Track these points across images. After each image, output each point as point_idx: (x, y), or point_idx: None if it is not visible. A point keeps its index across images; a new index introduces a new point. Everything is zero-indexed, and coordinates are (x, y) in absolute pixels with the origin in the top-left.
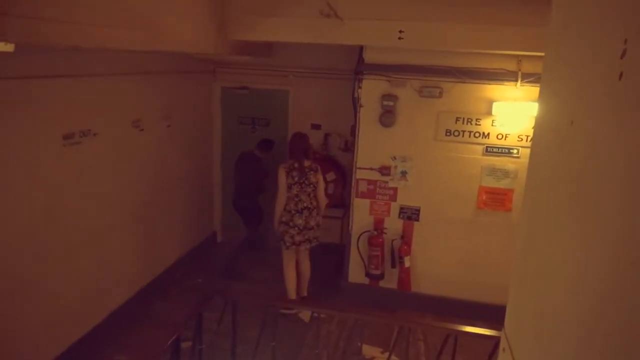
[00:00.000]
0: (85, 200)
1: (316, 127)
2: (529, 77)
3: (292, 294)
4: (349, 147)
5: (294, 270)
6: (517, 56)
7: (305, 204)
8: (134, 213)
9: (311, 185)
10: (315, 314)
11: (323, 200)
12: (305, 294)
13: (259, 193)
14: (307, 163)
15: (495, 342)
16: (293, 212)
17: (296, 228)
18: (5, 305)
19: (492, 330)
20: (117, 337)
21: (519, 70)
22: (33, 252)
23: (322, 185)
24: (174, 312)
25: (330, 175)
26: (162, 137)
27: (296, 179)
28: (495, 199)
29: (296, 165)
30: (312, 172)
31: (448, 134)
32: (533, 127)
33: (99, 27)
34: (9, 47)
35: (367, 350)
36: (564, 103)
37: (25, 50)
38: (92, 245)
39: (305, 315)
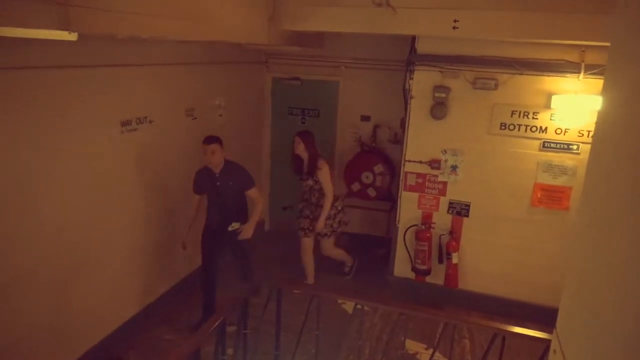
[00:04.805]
0: (136, 185)
1: (365, 118)
2: (593, 69)
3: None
4: (399, 139)
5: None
6: (580, 46)
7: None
8: (184, 200)
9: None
10: (359, 306)
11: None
12: None
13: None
14: None
15: (545, 345)
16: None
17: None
18: (73, 280)
19: (543, 333)
20: (167, 318)
21: (582, 61)
22: (96, 231)
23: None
24: (220, 296)
25: (379, 168)
26: (214, 126)
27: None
28: (552, 197)
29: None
30: None
31: (503, 127)
32: (595, 122)
33: (156, 18)
34: (72, 36)
35: (411, 345)
36: (630, 96)
37: (87, 39)
38: (146, 227)
39: (349, 306)
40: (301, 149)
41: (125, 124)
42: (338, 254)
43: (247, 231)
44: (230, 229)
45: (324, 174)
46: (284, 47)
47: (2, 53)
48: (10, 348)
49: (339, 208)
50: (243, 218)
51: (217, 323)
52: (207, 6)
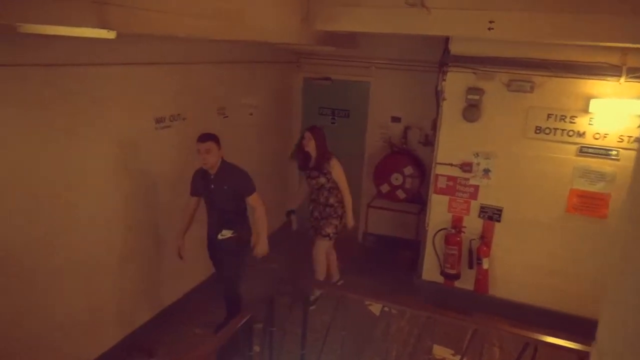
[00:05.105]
0: (167, 181)
1: (396, 119)
2: (635, 72)
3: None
4: (429, 141)
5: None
6: (622, 49)
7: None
8: None
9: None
10: (386, 308)
11: None
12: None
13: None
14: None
15: (579, 356)
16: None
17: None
18: (106, 271)
19: (579, 344)
20: (196, 313)
21: (624, 64)
22: (129, 223)
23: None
24: (247, 294)
25: (408, 170)
26: (244, 125)
27: None
28: (588, 204)
29: None
30: None
31: (538, 131)
32: (639, 127)
33: (190, 17)
34: (110, 35)
35: (438, 350)
36: None
37: (123, 37)
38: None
39: (376, 308)
40: (312, 146)
41: (159, 120)
42: (323, 264)
43: (261, 247)
44: (219, 237)
45: (340, 172)
46: (316, 47)
47: (43, 50)
48: (46, 335)
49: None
50: (239, 227)
51: (244, 320)
52: (241, 6)
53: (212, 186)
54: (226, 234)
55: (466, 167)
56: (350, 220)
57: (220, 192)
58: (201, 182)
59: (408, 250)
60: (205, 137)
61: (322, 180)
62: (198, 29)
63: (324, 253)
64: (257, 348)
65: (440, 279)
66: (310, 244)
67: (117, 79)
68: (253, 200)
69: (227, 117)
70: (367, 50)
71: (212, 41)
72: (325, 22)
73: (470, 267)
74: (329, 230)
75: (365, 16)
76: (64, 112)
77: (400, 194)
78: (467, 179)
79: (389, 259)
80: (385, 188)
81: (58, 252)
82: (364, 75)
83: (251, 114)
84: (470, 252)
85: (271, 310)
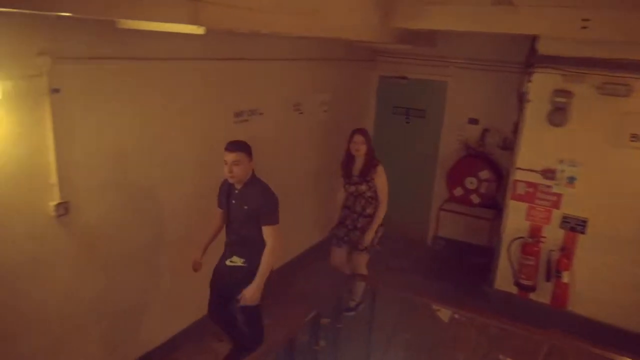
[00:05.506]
0: None
1: (473, 121)
2: None
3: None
4: (508, 145)
5: None
6: None
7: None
8: (290, 191)
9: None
10: (456, 315)
11: None
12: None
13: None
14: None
15: None
16: None
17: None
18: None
19: None
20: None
21: None
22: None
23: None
24: (315, 290)
25: (485, 174)
26: (319, 121)
27: None
28: None
29: None
30: None
31: (634, 139)
32: None
33: (274, 15)
34: (200, 30)
35: None
36: None
37: (208, 34)
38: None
39: (444, 314)
40: (363, 151)
41: (238, 115)
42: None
43: (249, 293)
44: (228, 263)
45: (384, 180)
46: (394, 45)
47: (137, 45)
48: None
49: (382, 221)
50: (252, 258)
51: (311, 315)
52: (322, 3)
53: (233, 201)
54: (236, 261)
55: (549, 173)
56: (370, 236)
57: (239, 211)
58: (224, 196)
59: (479, 257)
60: (235, 146)
61: (364, 187)
62: (280, 26)
63: (365, 268)
64: (322, 343)
65: (513, 290)
66: (328, 253)
67: (200, 73)
68: (268, 231)
69: (302, 113)
70: (446, 48)
71: (290, 38)
72: (407, 20)
73: (548, 279)
74: (367, 243)
75: (449, 14)
76: (155, 103)
77: (475, 198)
78: (550, 187)
79: (458, 265)
80: (458, 191)
81: (146, 233)
82: (442, 75)
83: (326, 111)
84: (548, 263)
85: (339, 307)
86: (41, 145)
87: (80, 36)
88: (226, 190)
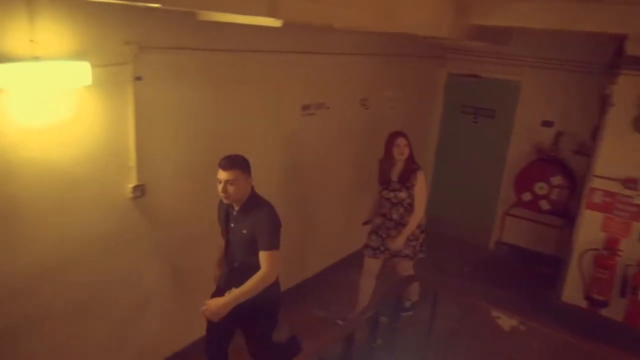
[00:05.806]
0: (308, 166)
1: (547, 124)
2: None
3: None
4: (584, 150)
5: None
6: None
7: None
8: (355, 184)
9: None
10: (523, 327)
11: None
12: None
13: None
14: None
15: None
16: None
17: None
18: None
19: None
20: (318, 295)
21: None
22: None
23: None
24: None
25: (557, 180)
26: (384, 117)
27: None
28: None
29: None
30: None
31: None
32: None
33: (347, 9)
34: (277, 23)
35: None
36: None
37: (282, 27)
38: (310, 205)
39: (505, 322)
40: (407, 154)
41: (305, 108)
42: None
43: (213, 305)
44: (227, 294)
45: (424, 187)
46: (466, 42)
47: (215, 37)
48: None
49: (423, 227)
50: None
51: (370, 312)
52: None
53: (232, 225)
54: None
55: (630, 183)
56: (399, 242)
57: (237, 235)
58: (222, 217)
59: (545, 266)
60: (229, 163)
61: (403, 194)
62: (353, 21)
63: (412, 271)
64: (380, 341)
65: (582, 303)
66: (360, 266)
67: (272, 65)
68: (263, 256)
69: (368, 108)
70: (520, 47)
71: (359, 33)
72: (482, 17)
73: (623, 295)
74: (407, 250)
75: (527, 11)
76: (229, 94)
77: (544, 204)
78: (631, 197)
79: (522, 273)
80: (526, 197)
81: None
82: (514, 74)
83: (392, 107)
84: (624, 279)
85: (398, 306)
86: (123, 130)
87: (163, 27)
88: (223, 212)
